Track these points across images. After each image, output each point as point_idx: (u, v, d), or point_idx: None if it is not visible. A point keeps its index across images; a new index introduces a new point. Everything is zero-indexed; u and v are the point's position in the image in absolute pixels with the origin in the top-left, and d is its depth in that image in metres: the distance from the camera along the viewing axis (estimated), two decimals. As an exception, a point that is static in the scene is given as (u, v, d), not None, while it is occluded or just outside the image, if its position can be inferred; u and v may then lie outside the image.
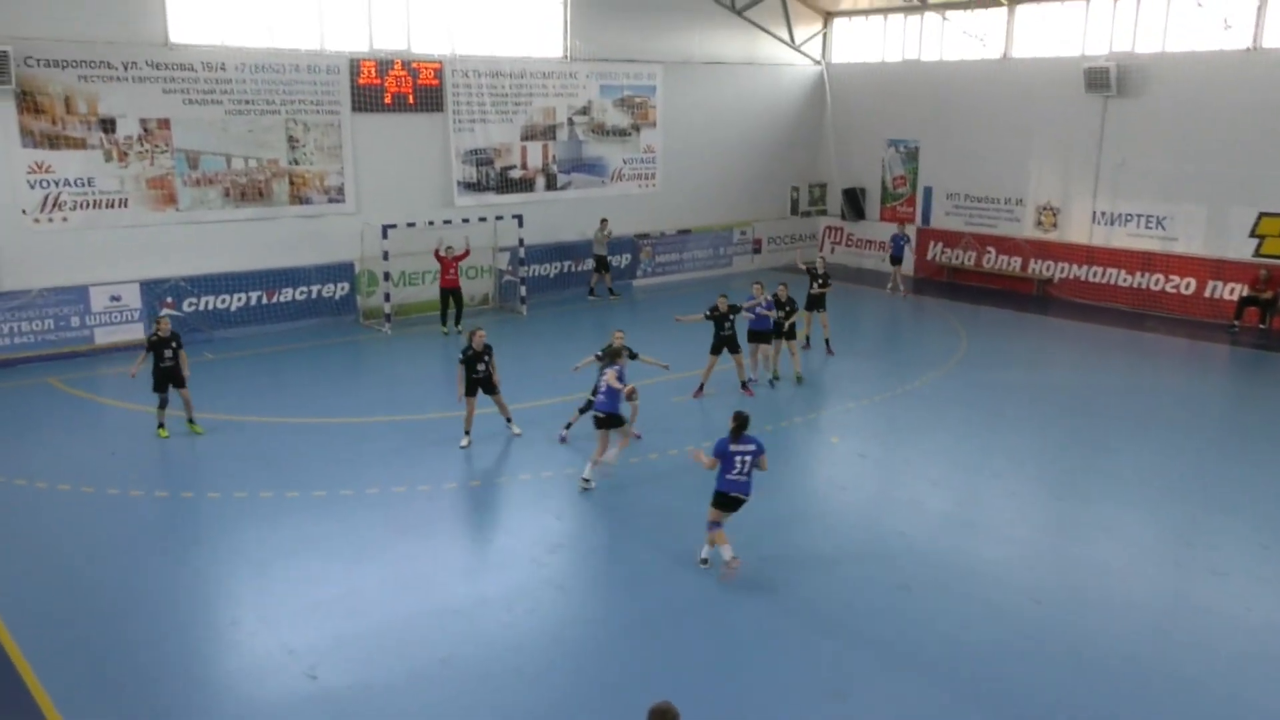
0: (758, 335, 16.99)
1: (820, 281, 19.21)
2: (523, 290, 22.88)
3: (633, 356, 14.25)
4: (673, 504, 12.26)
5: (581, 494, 12.48)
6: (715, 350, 16.35)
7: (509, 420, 14.48)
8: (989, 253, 26.31)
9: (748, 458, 10.20)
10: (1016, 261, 25.80)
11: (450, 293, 20.64)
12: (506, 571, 10.59)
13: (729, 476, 10.22)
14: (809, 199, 29.67)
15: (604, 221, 24.39)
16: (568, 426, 14.34)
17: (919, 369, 18.39)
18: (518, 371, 16.68)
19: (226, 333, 19.93)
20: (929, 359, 19.21)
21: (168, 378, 14.31)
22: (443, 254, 20.46)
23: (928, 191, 27.61)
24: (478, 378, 14.07)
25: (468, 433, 14.16)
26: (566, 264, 24.67)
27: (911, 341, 21.67)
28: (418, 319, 21.51)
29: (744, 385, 16.61)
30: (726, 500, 10.31)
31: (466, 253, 20.95)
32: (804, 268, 20.46)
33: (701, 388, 16.34)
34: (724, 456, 10.19)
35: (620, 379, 12.53)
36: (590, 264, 24.68)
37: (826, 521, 11.99)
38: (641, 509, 12.09)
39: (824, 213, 29.93)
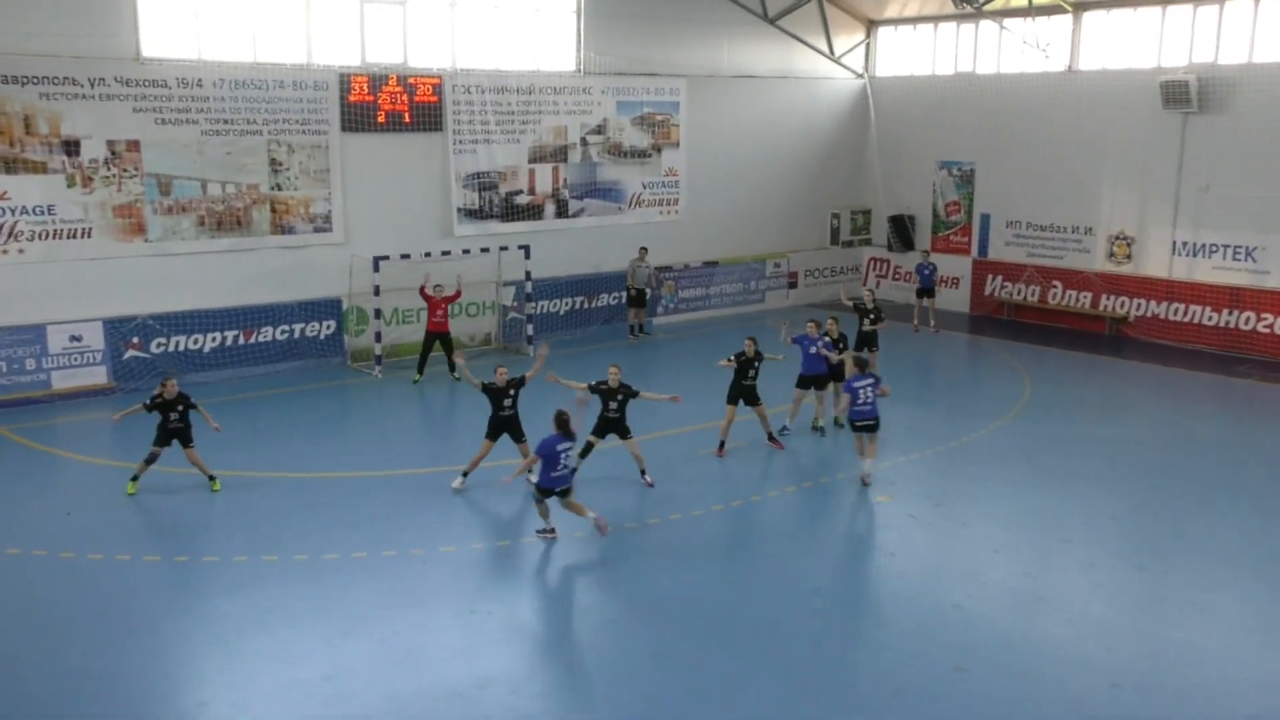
0: (810, 380, 16.95)
1: (871, 318, 19.26)
2: (529, 329, 22.97)
3: (633, 395, 14.39)
4: (697, 571, 12.21)
5: (622, 557, 12.47)
6: (732, 399, 16.23)
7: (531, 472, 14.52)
8: (1054, 288, 26.25)
9: (570, 453, 12.63)
10: (1086, 297, 25.72)
11: (439, 337, 20.53)
12: (512, 648, 10.52)
13: (553, 474, 12.51)
14: (851, 227, 29.73)
15: (643, 250, 24.56)
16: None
17: (977, 418, 18.29)
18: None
19: (199, 376, 20.04)
20: (988, 407, 19.10)
21: (172, 436, 14.38)
22: (430, 292, 20.49)
23: (985, 219, 27.62)
24: (504, 415, 14.37)
25: (465, 474, 14.37)
26: (579, 299, 24.78)
27: (968, 387, 21.57)
28: (412, 361, 21.56)
29: (771, 437, 16.52)
30: (549, 492, 12.66)
31: (458, 294, 20.86)
32: (850, 304, 20.46)
33: (722, 445, 16.25)
34: (550, 457, 12.43)
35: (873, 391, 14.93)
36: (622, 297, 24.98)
37: (872, 592, 11.89)
38: (663, 576, 12.02)
39: (868, 242, 29.99)
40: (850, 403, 14.89)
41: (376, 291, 20.92)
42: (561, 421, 12.51)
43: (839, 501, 14.70)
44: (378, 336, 21.13)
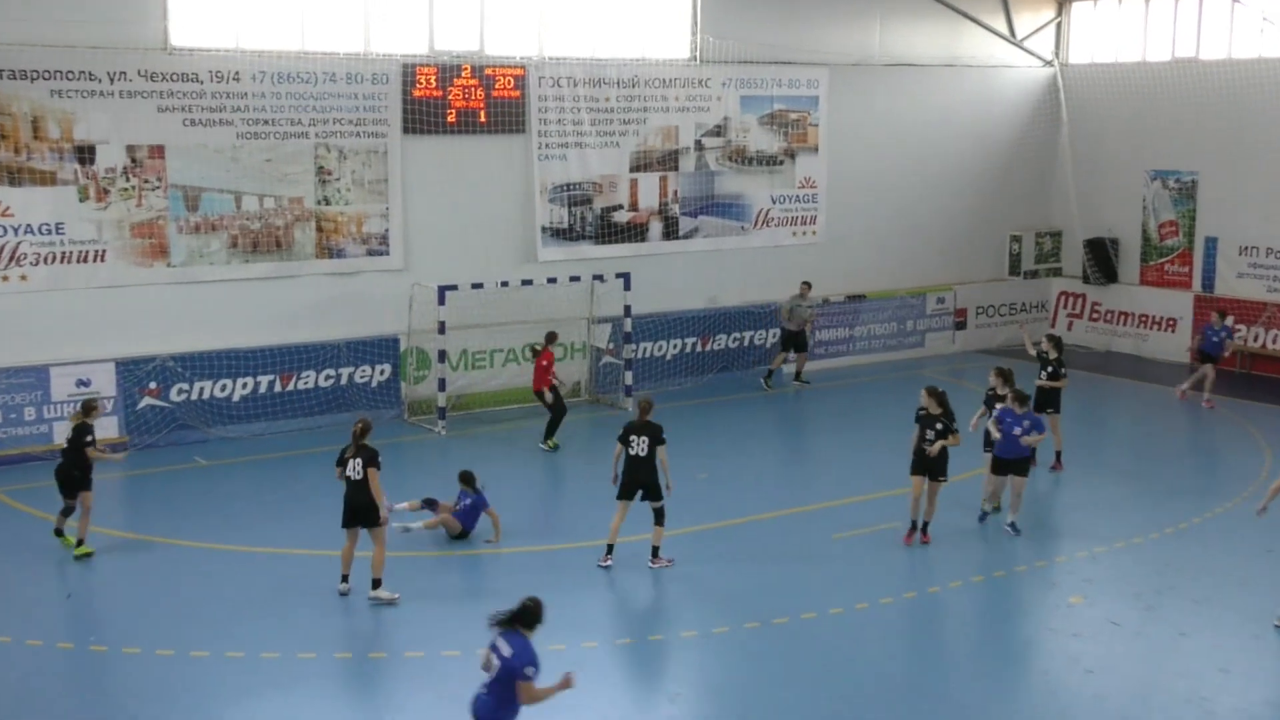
0: (1005, 464, 16.31)
1: (1050, 370, 18.86)
2: (628, 377, 23.07)
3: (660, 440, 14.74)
4: (853, 679, 12.09)
5: (767, 662, 12.44)
6: (915, 469, 15.79)
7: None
8: (1304, 332, 25.58)
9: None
10: (1346, 345, 25.02)
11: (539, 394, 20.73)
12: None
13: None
14: (1036, 254, 29.36)
15: (806, 286, 24.58)
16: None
17: (1198, 498, 17.81)
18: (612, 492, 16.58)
19: (226, 430, 20.52)
20: (1213, 485, 18.59)
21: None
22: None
23: (1210, 244, 27.09)
24: (351, 487, 14.16)
25: (345, 578, 14.19)
26: (690, 341, 24.81)
27: (1189, 458, 21.01)
28: (483, 415, 21.81)
29: (919, 527, 16.01)
30: None
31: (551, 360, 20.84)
32: (1034, 352, 20.05)
33: (915, 527, 15.85)
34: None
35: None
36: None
37: (1065, 717, 11.59)
38: (795, 687, 11.91)
39: (1058, 272, 29.59)
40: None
41: (442, 329, 21.21)
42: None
43: (1020, 601, 14.46)
44: (442, 384, 21.41)
